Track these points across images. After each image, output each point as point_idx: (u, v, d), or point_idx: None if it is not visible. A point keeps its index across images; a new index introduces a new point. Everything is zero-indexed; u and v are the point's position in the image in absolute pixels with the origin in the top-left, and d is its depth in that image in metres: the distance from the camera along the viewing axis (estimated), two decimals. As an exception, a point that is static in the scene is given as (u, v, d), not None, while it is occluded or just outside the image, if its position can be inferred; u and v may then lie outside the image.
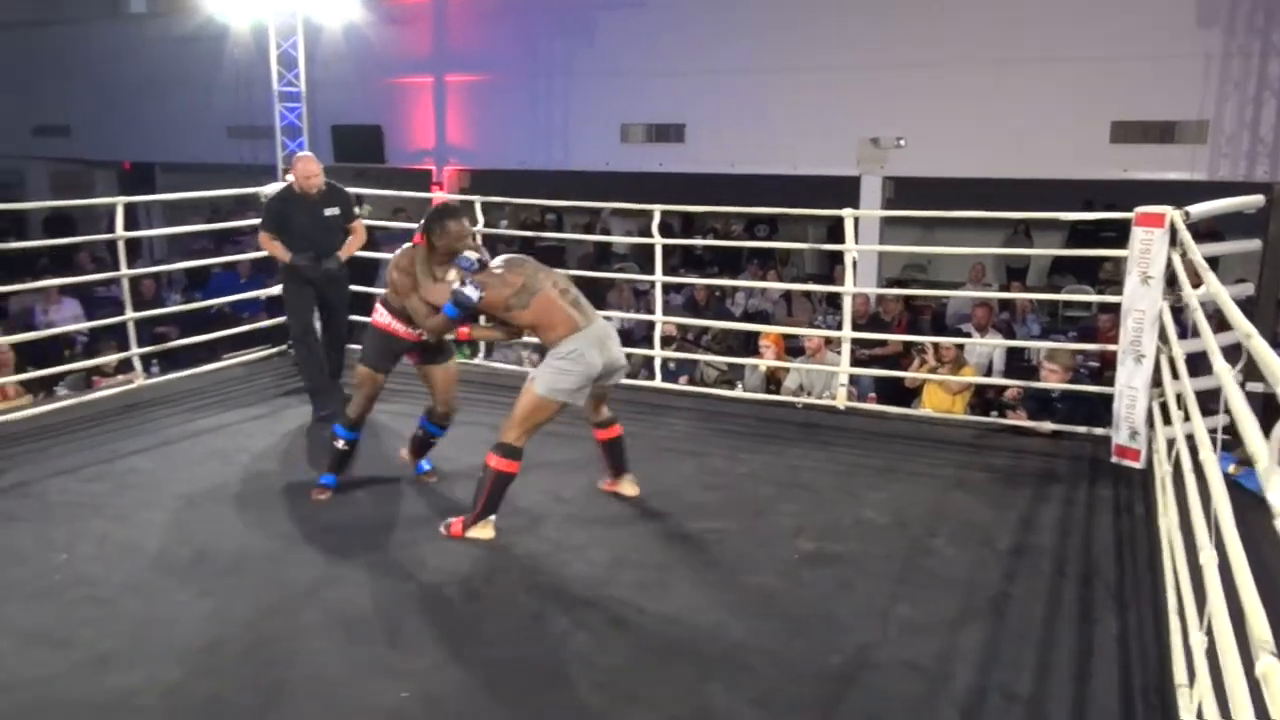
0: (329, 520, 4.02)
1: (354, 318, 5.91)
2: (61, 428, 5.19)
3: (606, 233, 13.12)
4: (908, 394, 6.87)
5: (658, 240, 6.15)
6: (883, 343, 7.80)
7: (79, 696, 2.74)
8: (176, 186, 15.05)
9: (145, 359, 6.24)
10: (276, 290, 6.75)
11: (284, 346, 6.77)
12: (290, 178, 5.53)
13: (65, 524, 3.95)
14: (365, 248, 5.83)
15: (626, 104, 11.99)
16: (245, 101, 13.92)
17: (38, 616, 3.20)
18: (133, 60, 14.79)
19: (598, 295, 10.59)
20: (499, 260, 3.97)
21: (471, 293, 3.79)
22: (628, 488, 4.30)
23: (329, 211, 5.41)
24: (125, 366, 6.19)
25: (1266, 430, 1.75)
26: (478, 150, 13.21)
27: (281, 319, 6.75)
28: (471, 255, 3.88)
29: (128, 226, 5.91)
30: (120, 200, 5.95)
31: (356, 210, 5.64)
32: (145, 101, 14.65)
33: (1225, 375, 2.24)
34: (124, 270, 5.98)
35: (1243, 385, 3.32)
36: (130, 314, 5.98)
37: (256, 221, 6.82)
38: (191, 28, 13.72)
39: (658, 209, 6.15)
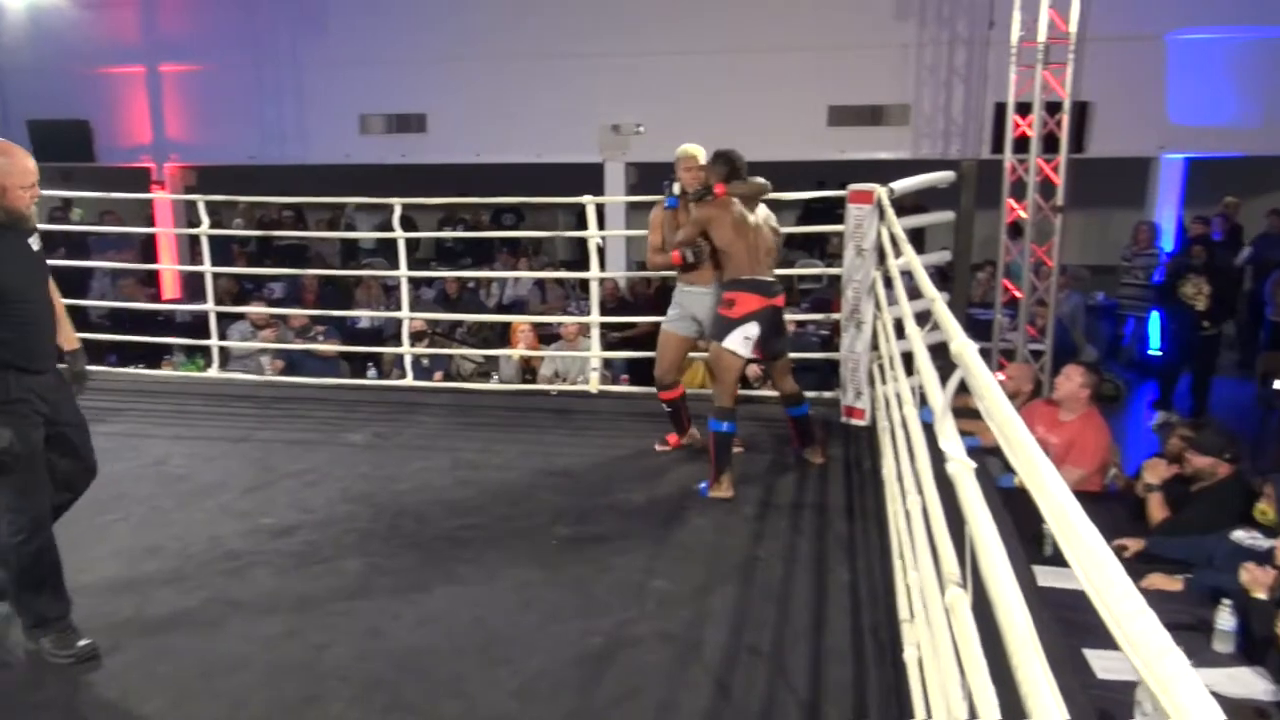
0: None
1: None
2: None
3: (351, 228, 12.64)
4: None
5: (400, 235, 6.01)
6: (633, 325, 8.01)
7: None
8: None
9: None
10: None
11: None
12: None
13: None
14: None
15: (364, 94, 11.59)
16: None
17: None
18: None
19: (345, 293, 10.22)
20: None
21: None
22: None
23: (37, 246, 3.07)
24: None
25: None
26: (202, 145, 12.33)
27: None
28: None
29: None
30: None
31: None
32: None
33: (915, 338, 2.47)
34: None
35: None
36: None
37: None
38: None
39: (398, 202, 6.00)
